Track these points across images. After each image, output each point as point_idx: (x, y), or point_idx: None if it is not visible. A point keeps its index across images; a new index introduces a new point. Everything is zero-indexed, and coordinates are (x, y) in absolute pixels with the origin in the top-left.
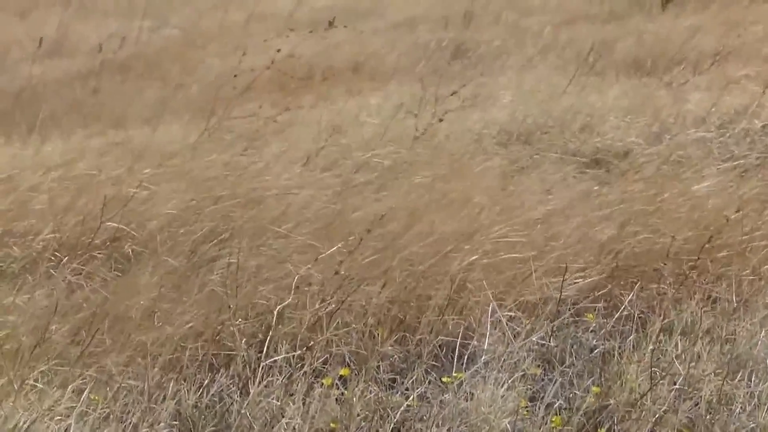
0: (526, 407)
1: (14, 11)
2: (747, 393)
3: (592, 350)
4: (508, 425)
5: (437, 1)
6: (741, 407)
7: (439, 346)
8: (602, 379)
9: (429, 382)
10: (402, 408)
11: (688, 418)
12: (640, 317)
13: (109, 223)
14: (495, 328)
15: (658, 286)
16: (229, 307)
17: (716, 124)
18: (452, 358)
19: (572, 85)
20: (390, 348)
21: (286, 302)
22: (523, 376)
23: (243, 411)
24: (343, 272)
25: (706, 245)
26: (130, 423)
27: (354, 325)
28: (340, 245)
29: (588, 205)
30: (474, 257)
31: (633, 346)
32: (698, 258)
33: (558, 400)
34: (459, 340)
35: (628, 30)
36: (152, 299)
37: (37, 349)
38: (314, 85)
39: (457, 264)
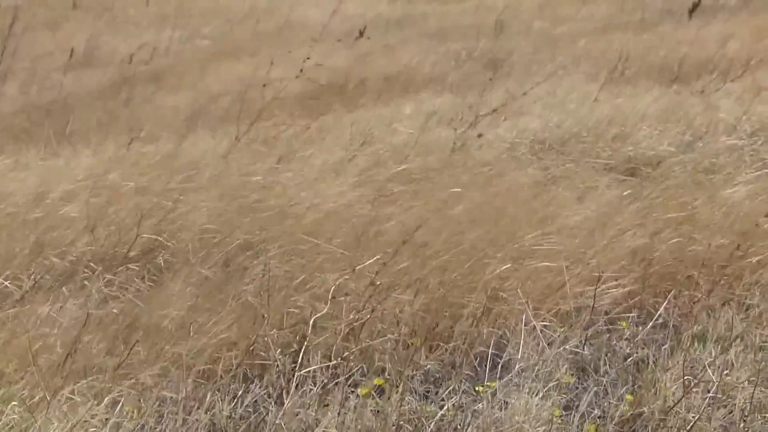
0: (561, 416)
1: (45, 23)
2: None
3: (625, 358)
4: None
5: (467, 11)
6: None
7: (474, 355)
8: (636, 388)
9: (463, 392)
10: (437, 418)
11: (721, 426)
12: (674, 325)
13: (144, 235)
14: (529, 337)
15: (692, 293)
16: (264, 317)
17: (748, 131)
18: (486, 367)
19: (604, 93)
20: (425, 358)
21: (322, 312)
22: (557, 384)
23: (278, 422)
24: (378, 282)
25: (738, 252)
26: None
27: (388, 336)
28: (378, 257)
29: (621, 214)
30: (506, 266)
31: (667, 354)
32: (729, 265)
33: (592, 408)
34: (493, 350)
35: (659, 38)
36: (186, 310)
37: (72, 361)
38: (346, 95)
39: (490, 273)
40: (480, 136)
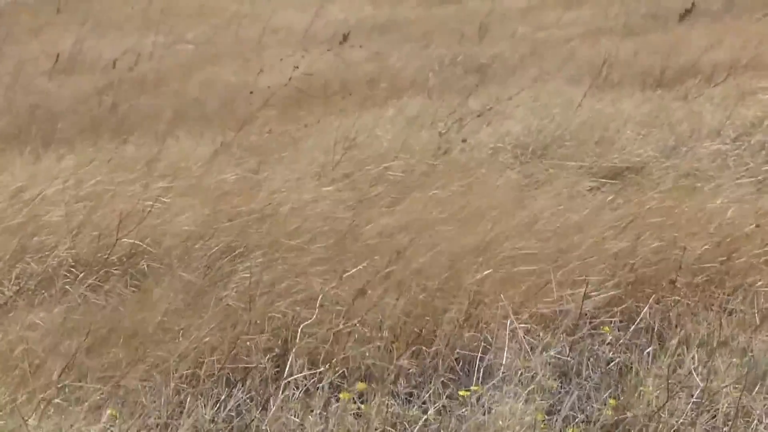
0: (544, 420)
1: (29, 28)
2: (765, 406)
3: (608, 363)
4: None
5: (451, 16)
6: (758, 420)
7: (456, 359)
8: (619, 392)
9: (446, 396)
10: (420, 422)
11: (705, 431)
12: (657, 330)
13: (125, 240)
14: (512, 341)
15: (674, 298)
16: (253, 322)
17: (732, 136)
18: (469, 371)
19: (588, 99)
20: (406, 362)
21: (309, 321)
22: (540, 389)
23: (262, 427)
24: (369, 292)
25: (722, 258)
26: None
27: (371, 341)
28: (364, 264)
29: (603, 218)
30: (488, 271)
31: (650, 359)
32: (711, 269)
33: (575, 413)
34: (475, 353)
35: (644, 43)
36: (168, 315)
37: (56, 365)
38: (329, 100)
39: (471, 277)
40: (464, 141)
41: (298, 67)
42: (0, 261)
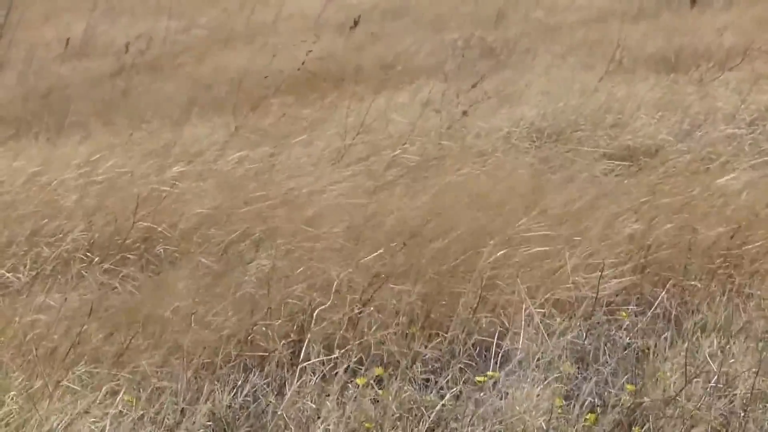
0: (561, 406)
1: (40, 13)
2: None
3: (626, 348)
4: (543, 424)
5: (464, 0)
6: None
7: (473, 344)
8: (636, 377)
9: (464, 382)
10: (437, 408)
11: (722, 415)
12: (674, 315)
13: (141, 223)
14: (528, 326)
15: (691, 283)
16: (270, 308)
17: (746, 120)
18: (486, 357)
19: (602, 83)
20: (424, 347)
21: (325, 305)
22: (557, 374)
23: (278, 411)
24: (383, 275)
25: (737, 241)
26: (164, 424)
27: (387, 326)
28: (380, 251)
29: (618, 201)
30: (502, 251)
31: (667, 344)
32: (728, 254)
33: (593, 398)
34: (492, 339)
35: (657, 27)
36: (186, 300)
37: (72, 350)
38: (342, 84)
39: (486, 261)
40: (465, 113)
41: (311, 51)
42: (15, 245)
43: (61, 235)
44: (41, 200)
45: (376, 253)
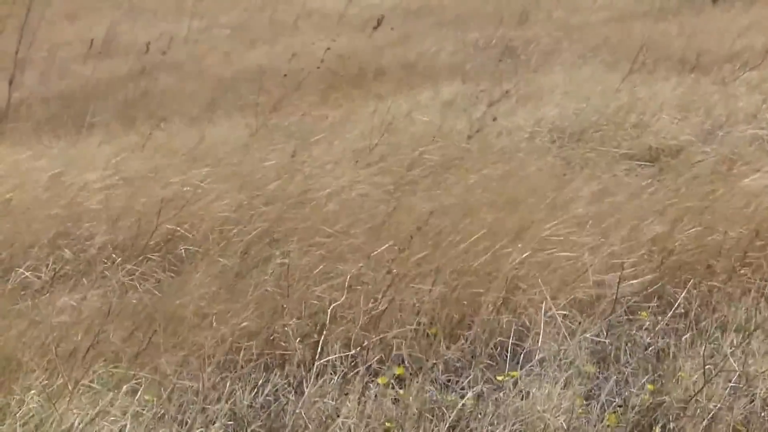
0: (582, 405)
1: (63, 13)
2: None
3: (646, 348)
4: (563, 423)
5: (486, 0)
6: None
7: (494, 345)
8: (657, 377)
9: (484, 381)
10: (458, 407)
11: (743, 415)
12: (694, 315)
13: (165, 225)
14: (549, 326)
15: (711, 283)
16: (283, 307)
17: None
18: (506, 356)
19: (624, 82)
20: (445, 347)
21: (339, 302)
22: (578, 374)
23: (298, 410)
24: (395, 271)
25: (758, 242)
26: (185, 423)
27: (408, 326)
28: (390, 243)
29: (641, 203)
30: (526, 254)
31: (687, 344)
32: (748, 254)
33: (613, 398)
34: (513, 339)
35: (678, 27)
36: (206, 300)
37: (92, 350)
38: (365, 84)
39: (509, 262)
40: (495, 120)
41: (330, 49)
42: (38, 248)
43: (85, 237)
44: (65, 201)
45: (386, 246)
